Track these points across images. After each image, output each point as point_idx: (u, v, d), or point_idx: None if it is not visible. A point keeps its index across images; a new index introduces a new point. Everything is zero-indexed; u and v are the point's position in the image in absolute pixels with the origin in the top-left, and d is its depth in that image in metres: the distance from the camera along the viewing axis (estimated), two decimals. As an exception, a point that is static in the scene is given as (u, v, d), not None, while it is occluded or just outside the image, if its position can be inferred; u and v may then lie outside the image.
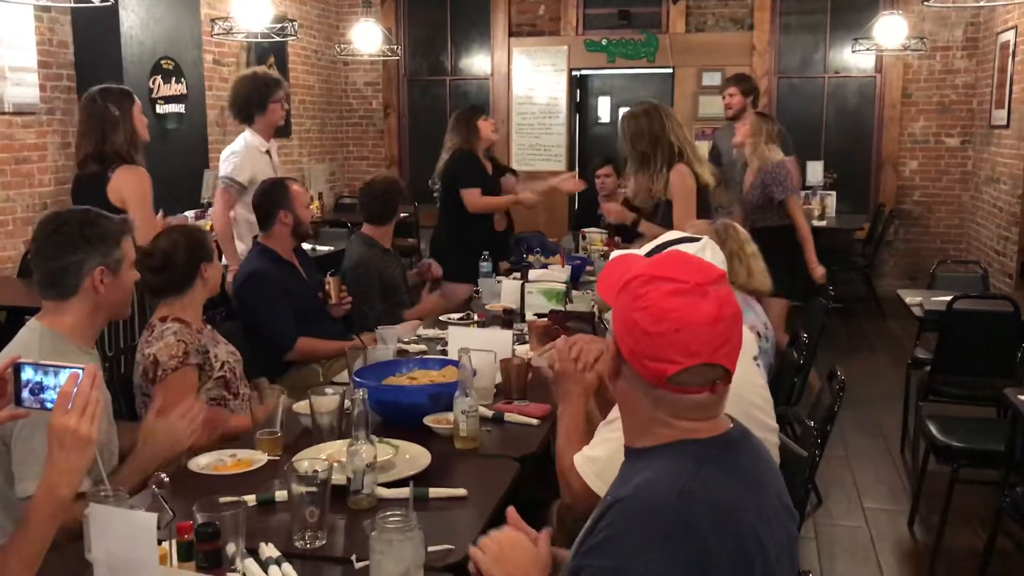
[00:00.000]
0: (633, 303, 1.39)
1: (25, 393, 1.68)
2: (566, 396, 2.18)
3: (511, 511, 1.65)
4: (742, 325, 1.43)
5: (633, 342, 1.38)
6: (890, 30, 6.86)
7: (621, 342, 1.41)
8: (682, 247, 2.06)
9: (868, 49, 7.30)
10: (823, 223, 7.49)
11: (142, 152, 3.95)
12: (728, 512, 1.32)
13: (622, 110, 9.23)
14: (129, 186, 3.79)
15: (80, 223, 2.24)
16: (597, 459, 1.94)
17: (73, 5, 4.48)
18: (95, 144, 3.83)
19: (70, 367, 1.65)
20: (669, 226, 4.26)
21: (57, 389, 1.63)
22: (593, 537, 1.36)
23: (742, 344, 1.44)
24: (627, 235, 5.60)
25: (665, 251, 1.52)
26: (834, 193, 7.87)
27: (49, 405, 1.64)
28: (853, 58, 8.25)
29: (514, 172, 6.08)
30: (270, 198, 3.74)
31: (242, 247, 4.45)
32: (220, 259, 3.64)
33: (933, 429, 3.61)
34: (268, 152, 4.63)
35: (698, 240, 2.10)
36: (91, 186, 3.80)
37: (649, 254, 2.07)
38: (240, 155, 4.49)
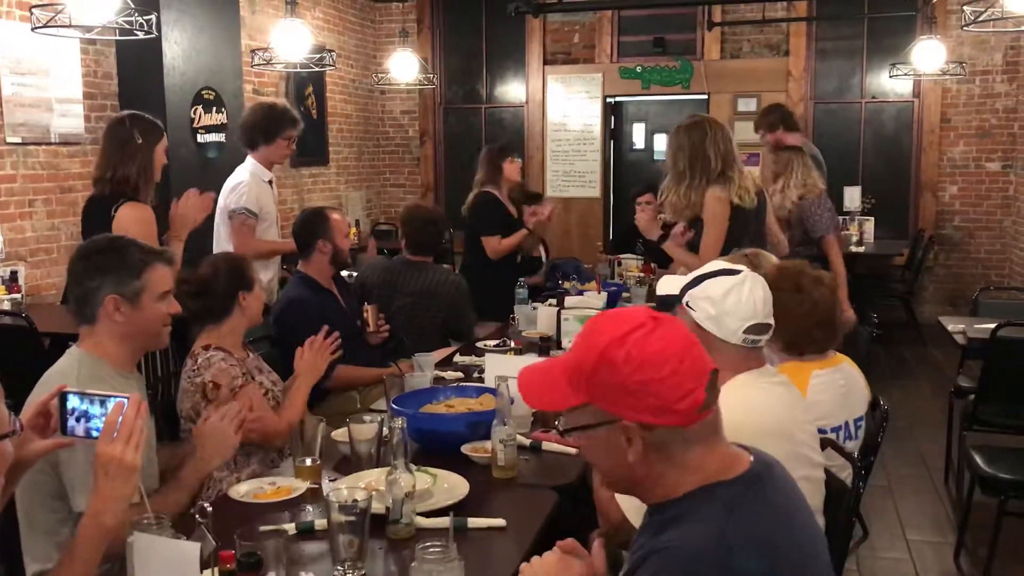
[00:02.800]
0: (624, 368, 1.34)
1: (71, 422, 1.70)
2: None
3: (561, 542, 1.63)
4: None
5: (652, 398, 1.33)
6: (928, 55, 6.79)
7: (636, 411, 1.34)
8: (720, 279, 2.04)
9: (906, 74, 7.23)
10: (861, 249, 7.42)
11: (152, 189, 3.82)
12: (766, 552, 1.30)
13: (657, 136, 9.27)
14: (134, 225, 3.65)
15: (100, 251, 2.27)
16: None
17: (118, 38, 4.58)
18: (110, 168, 3.74)
19: (115, 396, 1.67)
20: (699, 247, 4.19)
21: (103, 418, 1.65)
22: None
23: None
24: (662, 261, 5.59)
25: (586, 326, 1.47)
26: (872, 219, 7.79)
27: (95, 434, 1.66)
28: (890, 83, 8.19)
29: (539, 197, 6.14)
30: (309, 227, 3.77)
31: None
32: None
33: (979, 460, 3.54)
34: (270, 182, 4.54)
35: (737, 272, 2.07)
36: (99, 213, 3.73)
37: (687, 287, 2.05)
38: (247, 184, 4.39)
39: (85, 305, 2.25)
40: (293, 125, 4.51)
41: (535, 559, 1.60)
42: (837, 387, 2.61)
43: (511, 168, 5.38)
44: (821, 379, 2.58)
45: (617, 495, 1.94)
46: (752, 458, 1.42)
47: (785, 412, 2.01)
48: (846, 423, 2.62)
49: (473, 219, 5.34)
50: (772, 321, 2.06)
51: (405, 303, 4.22)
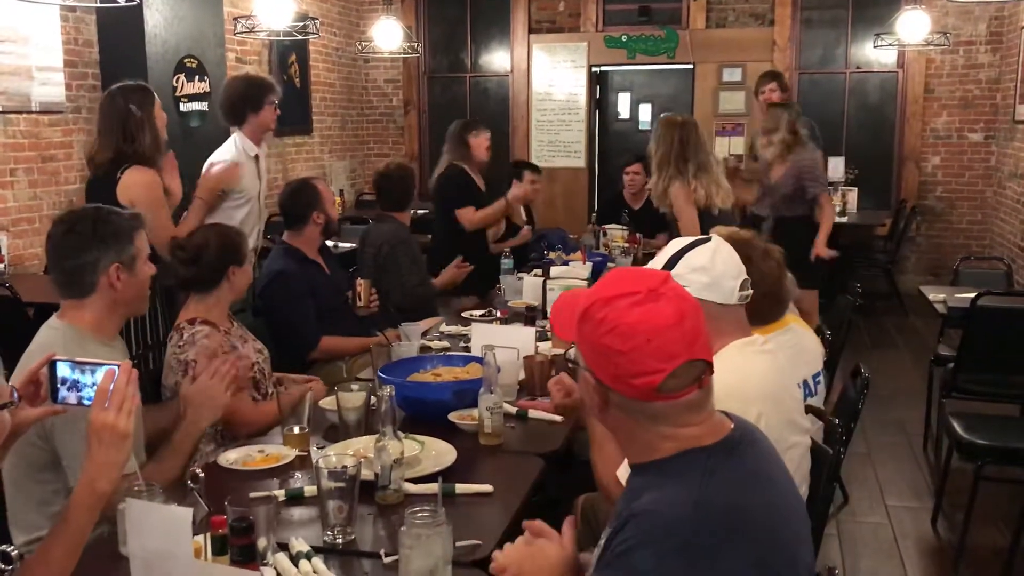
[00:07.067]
0: (597, 329, 1.39)
1: (63, 391, 1.70)
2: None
3: (528, 524, 1.64)
4: (703, 315, 1.43)
5: (612, 366, 1.38)
6: (913, 25, 6.81)
7: (600, 372, 1.41)
8: (699, 249, 2.05)
9: (890, 44, 7.24)
10: (844, 219, 7.45)
11: (162, 153, 3.83)
12: (742, 517, 1.33)
13: (642, 106, 9.25)
14: (139, 188, 3.65)
15: (93, 221, 2.26)
16: None
17: (98, 5, 4.52)
18: (117, 145, 3.70)
19: (106, 364, 1.68)
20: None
21: (94, 386, 1.66)
22: (611, 552, 1.36)
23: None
24: (648, 231, 5.62)
25: (607, 272, 1.52)
26: (855, 189, 7.84)
27: (87, 402, 1.67)
28: (875, 53, 8.20)
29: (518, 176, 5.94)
30: (301, 199, 3.75)
31: None
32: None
33: (957, 426, 3.60)
34: (256, 157, 4.41)
35: (708, 240, 2.07)
36: (104, 188, 3.66)
37: (666, 268, 2.06)
38: (237, 164, 4.24)
39: (82, 277, 2.23)
40: (274, 89, 4.45)
41: (506, 547, 1.61)
42: (787, 349, 2.63)
43: (478, 143, 5.22)
44: (771, 344, 2.58)
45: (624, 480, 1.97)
46: (732, 425, 1.44)
47: (775, 379, 2.05)
48: (804, 381, 2.66)
49: (443, 194, 5.24)
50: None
51: (369, 253, 4.49)
